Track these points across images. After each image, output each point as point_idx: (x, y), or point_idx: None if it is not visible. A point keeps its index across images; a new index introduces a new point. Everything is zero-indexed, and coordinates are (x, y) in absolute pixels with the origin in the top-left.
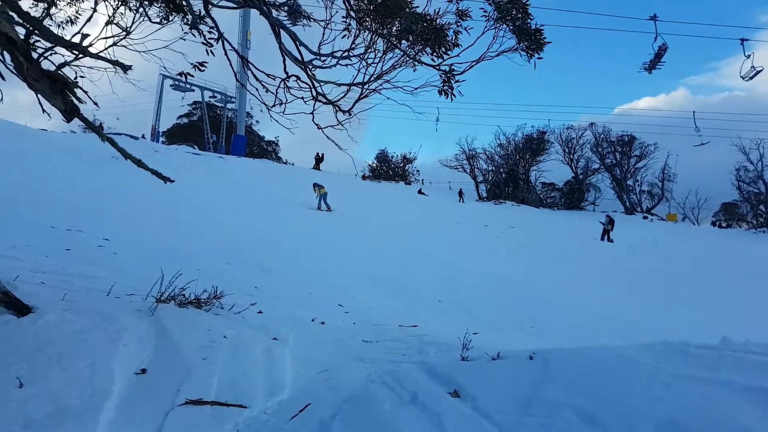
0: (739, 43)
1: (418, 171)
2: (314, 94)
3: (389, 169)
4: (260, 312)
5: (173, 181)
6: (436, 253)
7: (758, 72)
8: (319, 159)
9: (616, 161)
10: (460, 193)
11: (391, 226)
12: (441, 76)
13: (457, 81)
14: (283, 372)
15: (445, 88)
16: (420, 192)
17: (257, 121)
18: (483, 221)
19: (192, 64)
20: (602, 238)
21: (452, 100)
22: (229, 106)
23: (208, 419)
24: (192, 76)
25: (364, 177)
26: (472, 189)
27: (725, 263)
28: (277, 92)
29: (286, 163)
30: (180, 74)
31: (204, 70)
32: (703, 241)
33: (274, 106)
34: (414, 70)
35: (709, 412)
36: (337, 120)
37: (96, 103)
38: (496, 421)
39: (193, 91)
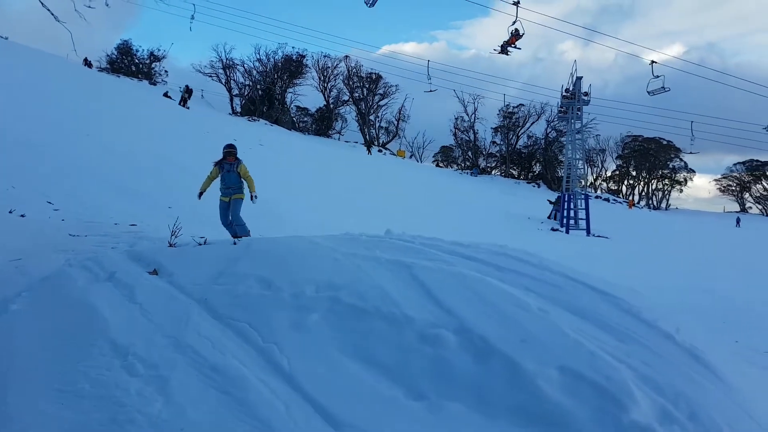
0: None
1: (166, 71)
2: None
3: (132, 64)
4: None
5: None
6: (179, 159)
7: (665, 90)
8: None
9: (362, 96)
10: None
11: (128, 126)
12: None
13: None
14: None
15: None
16: (166, 95)
17: None
18: (233, 135)
19: None
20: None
21: None
22: None
23: None
24: None
25: (88, 63)
26: (226, 101)
27: (427, 192)
28: None
29: None
30: None
31: None
32: (426, 176)
33: None
34: None
35: (356, 275)
36: None
37: None
38: (186, 291)
39: None
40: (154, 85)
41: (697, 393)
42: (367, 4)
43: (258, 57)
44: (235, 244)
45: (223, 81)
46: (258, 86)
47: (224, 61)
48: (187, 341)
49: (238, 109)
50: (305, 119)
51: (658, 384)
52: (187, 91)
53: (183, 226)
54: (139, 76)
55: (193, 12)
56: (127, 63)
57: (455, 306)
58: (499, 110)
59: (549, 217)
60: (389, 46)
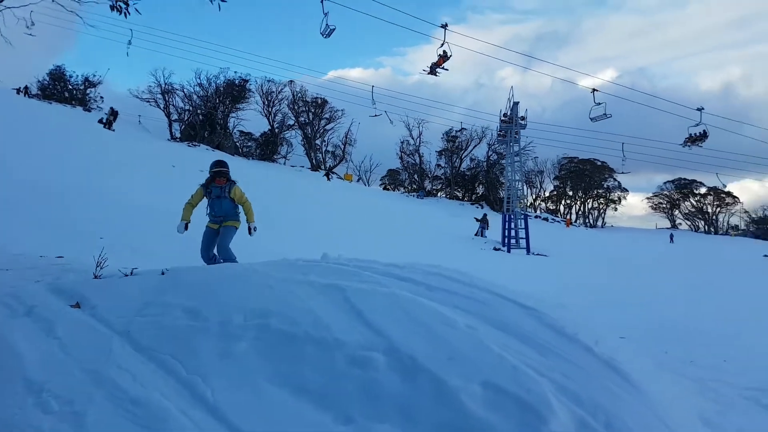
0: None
1: (102, 97)
2: None
3: (65, 90)
4: None
5: None
6: (110, 189)
7: (607, 117)
8: None
9: (308, 120)
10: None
11: (56, 154)
12: None
13: None
14: None
15: (119, 3)
16: (101, 122)
17: None
18: (170, 161)
19: None
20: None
21: (126, 16)
22: None
23: None
24: None
25: (26, 91)
26: (165, 127)
27: (378, 211)
28: None
29: None
30: None
31: None
32: (373, 200)
33: None
34: None
35: (288, 301)
36: None
37: None
38: (109, 323)
39: None
40: (89, 111)
41: (613, 402)
42: (322, 35)
43: (199, 81)
44: (163, 274)
45: (162, 106)
46: (199, 111)
47: (163, 86)
48: (106, 375)
49: (178, 135)
50: (249, 144)
51: (577, 395)
52: (112, 114)
53: (114, 257)
54: (73, 102)
55: (130, 37)
56: (60, 89)
57: (386, 327)
58: (443, 134)
59: (476, 235)
60: (335, 72)
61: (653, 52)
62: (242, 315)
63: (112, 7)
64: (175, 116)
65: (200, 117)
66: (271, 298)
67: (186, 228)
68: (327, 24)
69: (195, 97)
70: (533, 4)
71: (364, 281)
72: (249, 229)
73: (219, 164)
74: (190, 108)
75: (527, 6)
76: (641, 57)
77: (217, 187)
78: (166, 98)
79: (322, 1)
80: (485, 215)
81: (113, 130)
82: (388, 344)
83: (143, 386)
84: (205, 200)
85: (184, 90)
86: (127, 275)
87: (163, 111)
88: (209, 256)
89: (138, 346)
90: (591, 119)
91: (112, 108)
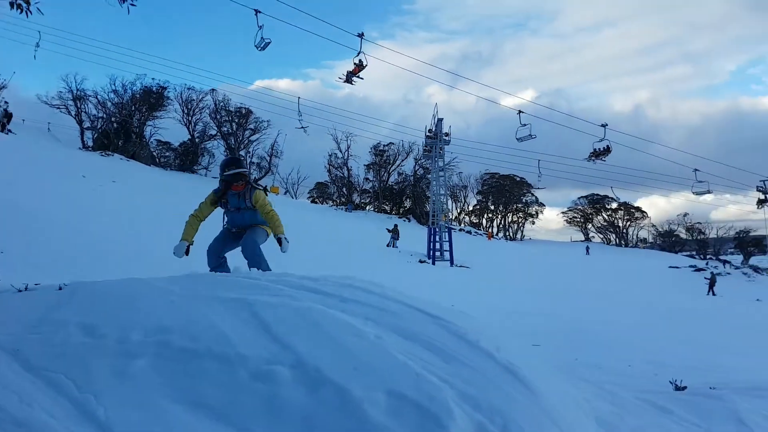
0: (517, 113)
1: (6, 102)
2: None
3: None
4: None
5: None
6: (9, 201)
7: (532, 137)
8: None
9: (232, 131)
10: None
11: None
12: None
13: None
14: None
15: (18, 1)
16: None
17: None
18: (82, 172)
19: None
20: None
21: (27, 16)
22: None
23: None
24: None
25: None
26: (76, 135)
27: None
28: None
29: None
30: None
31: None
32: (302, 211)
33: None
34: None
35: (192, 316)
36: None
37: None
38: None
39: None
40: None
41: (510, 407)
42: (257, 48)
43: (113, 88)
44: (60, 289)
45: (74, 113)
46: (113, 119)
47: (75, 92)
48: None
49: (90, 144)
50: (167, 154)
51: (476, 401)
52: (6, 116)
53: (13, 272)
54: None
55: (38, 39)
56: None
57: (293, 340)
58: (371, 148)
59: (388, 245)
60: (262, 81)
61: (570, 75)
62: (142, 332)
63: (12, 5)
64: (87, 124)
65: (114, 125)
66: (174, 314)
67: (187, 252)
68: (262, 37)
69: (109, 104)
70: (458, 24)
71: (274, 295)
72: (279, 241)
73: (235, 163)
74: (104, 115)
75: (453, 26)
76: (558, 79)
77: (234, 194)
78: (78, 105)
79: (256, 14)
80: (396, 226)
81: (7, 133)
82: (294, 357)
83: (30, 406)
84: (218, 209)
85: (98, 96)
86: (20, 290)
87: (75, 118)
88: (219, 258)
89: (27, 365)
90: (517, 140)
91: (5, 110)
